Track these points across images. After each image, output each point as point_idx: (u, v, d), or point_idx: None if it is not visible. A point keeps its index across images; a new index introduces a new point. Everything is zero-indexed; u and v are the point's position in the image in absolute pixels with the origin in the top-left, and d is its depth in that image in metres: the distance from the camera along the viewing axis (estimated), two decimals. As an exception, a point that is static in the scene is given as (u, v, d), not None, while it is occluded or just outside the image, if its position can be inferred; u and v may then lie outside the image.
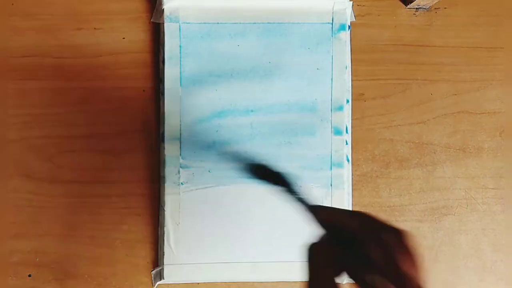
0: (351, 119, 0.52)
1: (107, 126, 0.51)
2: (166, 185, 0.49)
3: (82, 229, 0.50)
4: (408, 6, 0.52)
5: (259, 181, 0.45)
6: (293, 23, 0.51)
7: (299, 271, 0.50)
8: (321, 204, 0.35)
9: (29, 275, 0.50)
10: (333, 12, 0.51)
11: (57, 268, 0.50)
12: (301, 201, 0.37)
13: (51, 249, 0.50)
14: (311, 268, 0.31)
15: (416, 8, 0.53)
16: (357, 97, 0.52)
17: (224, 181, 0.50)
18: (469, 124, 0.53)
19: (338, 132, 0.51)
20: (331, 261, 0.31)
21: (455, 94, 0.53)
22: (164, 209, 0.49)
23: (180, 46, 0.50)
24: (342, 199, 0.50)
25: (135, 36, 0.51)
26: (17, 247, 0.50)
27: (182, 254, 0.49)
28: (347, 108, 0.51)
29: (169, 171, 0.49)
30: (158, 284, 0.50)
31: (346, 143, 0.51)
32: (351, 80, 0.52)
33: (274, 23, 0.51)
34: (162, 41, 0.50)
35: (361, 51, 0.52)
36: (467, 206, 0.52)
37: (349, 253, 0.30)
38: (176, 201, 0.49)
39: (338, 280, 0.30)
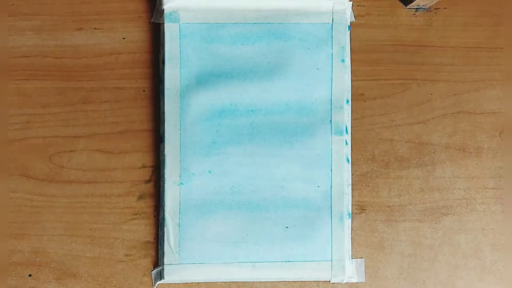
0: (351, 119, 0.52)
1: (107, 126, 0.51)
2: (166, 185, 0.49)
3: (82, 229, 0.50)
4: (408, 6, 0.52)
5: None
6: (293, 23, 0.51)
7: (299, 271, 0.50)
8: None
9: (29, 275, 0.50)
10: (333, 12, 0.51)
11: (57, 268, 0.50)
12: None
13: (51, 249, 0.50)
14: None
15: (416, 8, 0.53)
16: (357, 97, 0.52)
17: (224, 181, 0.50)
18: (468, 124, 0.53)
19: (338, 132, 0.51)
20: None
21: (455, 94, 0.53)
22: (164, 209, 0.50)
23: (180, 46, 0.50)
24: (342, 199, 0.50)
25: (135, 36, 0.51)
26: (17, 247, 0.50)
27: (182, 254, 0.49)
28: (347, 108, 0.51)
29: (169, 171, 0.50)
30: (158, 284, 0.50)
31: (346, 143, 0.51)
32: (351, 80, 0.52)
33: (274, 23, 0.51)
34: (162, 41, 0.50)
35: (361, 51, 0.52)
36: (467, 206, 0.52)
37: None
38: (176, 201, 0.50)
39: None
